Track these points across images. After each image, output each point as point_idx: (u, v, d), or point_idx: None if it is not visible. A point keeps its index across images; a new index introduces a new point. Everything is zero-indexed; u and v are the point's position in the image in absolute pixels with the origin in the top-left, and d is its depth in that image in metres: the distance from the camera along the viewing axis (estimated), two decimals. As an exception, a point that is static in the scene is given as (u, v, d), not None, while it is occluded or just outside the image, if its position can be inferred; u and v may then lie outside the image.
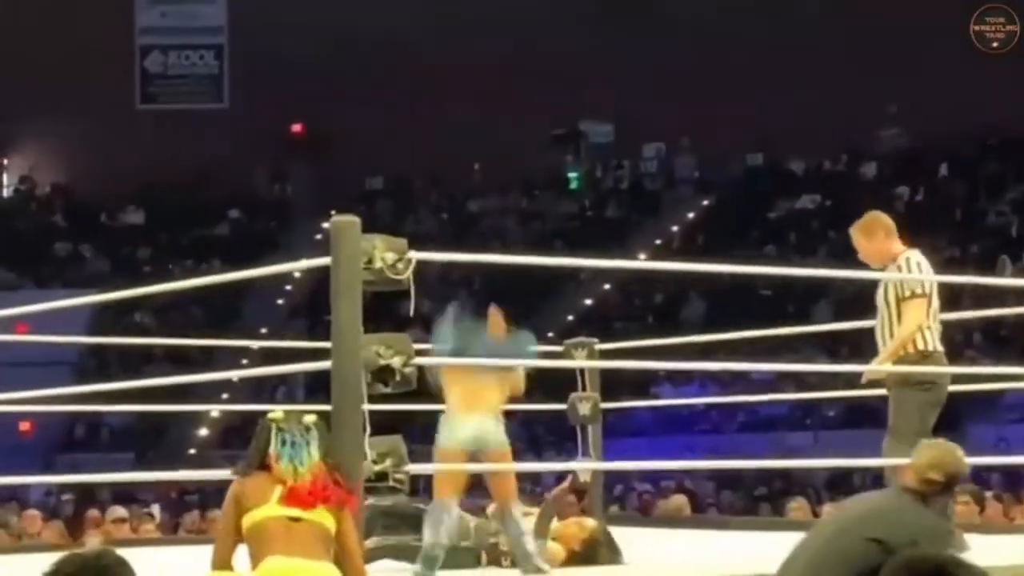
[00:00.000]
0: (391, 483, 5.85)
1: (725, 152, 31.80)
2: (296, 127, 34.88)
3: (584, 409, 9.21)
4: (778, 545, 7.99)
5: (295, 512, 5.60)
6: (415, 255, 5.94)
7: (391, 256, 5.87)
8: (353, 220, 5.89)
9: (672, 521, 11.01)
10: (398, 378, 5.88)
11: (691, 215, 32.18)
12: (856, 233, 8.04)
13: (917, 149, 30.32)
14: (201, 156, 32.26)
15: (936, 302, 7.82)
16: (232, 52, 35.45)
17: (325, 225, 5.84)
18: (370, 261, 5.83)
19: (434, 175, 33.69)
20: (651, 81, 30.90)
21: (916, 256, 7.87)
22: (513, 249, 28.13)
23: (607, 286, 29.19)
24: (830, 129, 29.72)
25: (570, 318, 27.77)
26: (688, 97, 30.63)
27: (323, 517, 5.63)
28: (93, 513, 12.50)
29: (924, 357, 7.73)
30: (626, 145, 33.73)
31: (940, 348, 7.80)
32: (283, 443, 5.67)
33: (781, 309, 21.56)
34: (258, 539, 5.61)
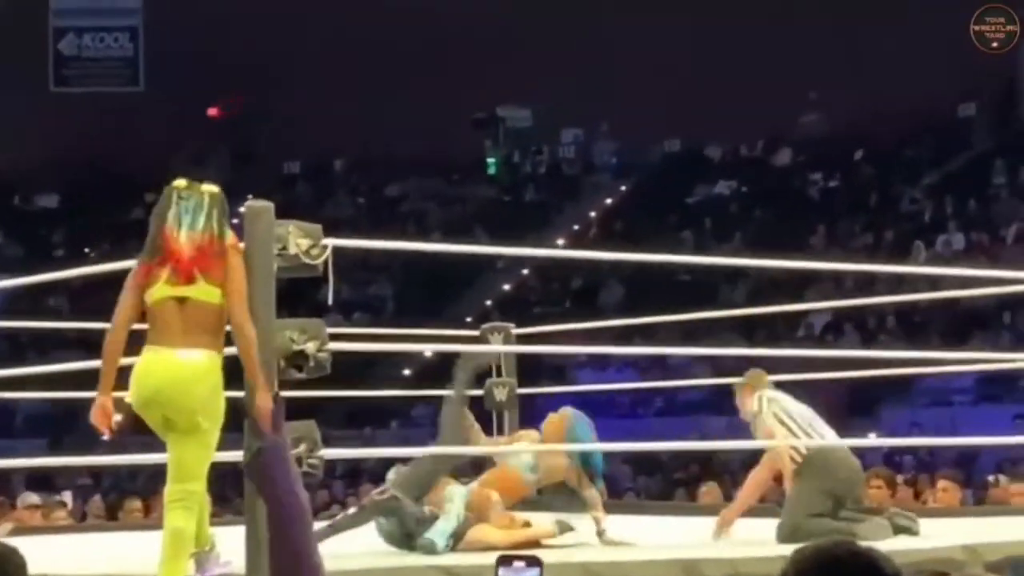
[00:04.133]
0: (305, 468, 5.82)
1: (643, 138, 31.87)
2: (213, 111, 34.63)
3: (500, 395, 9.22)
4: (692, 529, 8.04)
5: (181, 292, 5.78)
6: (330, 241, 5.92)
7: (305, 242, 5.85)
8: (267, 205, 5.86)
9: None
10: (312, 363, 5.86)
11: (609, 200, 32.24)
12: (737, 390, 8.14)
13: (833, 135, 30.48)
14: (117, 139, 31.96)
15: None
16: (148, 35, 35.12)
17: (242, 210, 5.85)
18: (284, 247, 5.80)
19: (353, 159, 33.56)
20: (570, 66, 30.90)
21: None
22: (432, 234, 28.10)
23: (525, 271, 29.20)
24: (750, 115, 29.81)
25: (488, 303, 27.76)
26: (607, 82, 30.65)
27: (207, 294, 5.76)
28: (5, 500, 12.36)
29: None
30: (545, 130, 33.74)
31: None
32: (184, 212, 5.92)
33: (699, 294, 21.63)
34: (151, 323, 5.88)
